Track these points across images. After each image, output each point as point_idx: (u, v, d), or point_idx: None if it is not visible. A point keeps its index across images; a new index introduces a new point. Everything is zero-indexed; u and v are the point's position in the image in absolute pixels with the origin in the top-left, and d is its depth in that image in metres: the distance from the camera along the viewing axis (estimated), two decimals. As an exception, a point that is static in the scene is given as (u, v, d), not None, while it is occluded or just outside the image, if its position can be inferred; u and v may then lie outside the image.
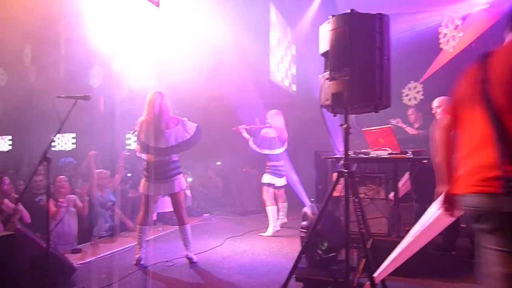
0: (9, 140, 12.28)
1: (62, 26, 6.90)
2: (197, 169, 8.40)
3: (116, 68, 7.41)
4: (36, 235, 3.37)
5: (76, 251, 4.54)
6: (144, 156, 4.17)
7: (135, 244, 4.21)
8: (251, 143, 5.48)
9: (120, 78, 7.49)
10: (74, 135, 11.47)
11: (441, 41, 5.72)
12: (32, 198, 5.21)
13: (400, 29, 6.45)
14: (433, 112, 4.47)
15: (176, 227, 5.80)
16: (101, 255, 4.40)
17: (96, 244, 4.92)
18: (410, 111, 5.83)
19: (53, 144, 3.06)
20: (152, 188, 4.04)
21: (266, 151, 5.40)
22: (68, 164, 9.16)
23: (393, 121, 5.29)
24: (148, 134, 3.97)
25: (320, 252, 3.45)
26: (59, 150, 10.96)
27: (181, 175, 4.19)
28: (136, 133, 4.14)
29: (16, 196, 4.43)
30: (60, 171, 7.67)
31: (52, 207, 4.69)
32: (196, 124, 4.19)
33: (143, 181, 4.13)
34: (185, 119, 4.16)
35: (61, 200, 4.80)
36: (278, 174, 5.50)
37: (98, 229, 5.36)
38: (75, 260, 4.04)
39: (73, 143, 11.45)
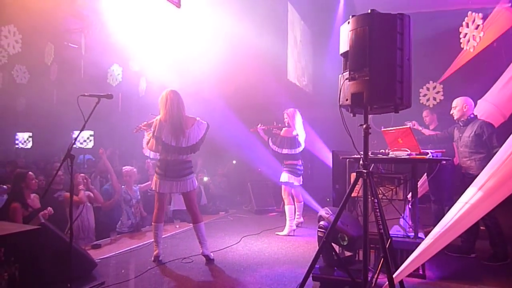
0: (29, 137, 12.59)
1: (84, 26, 7.04)
2: (212, 167, 8.46)
3: (135, 67, 7.52)
4: (59, 230, 3.46)
5: (96, 246, 4.65)
6: (152, 154, 4.22)
7: (153, 240, 4.28)
8: (270, 143, 5.50)
9: (139, 77, 7.60)
10: (92, 132, 11.69)
11: (461, 41, 5.63)
12: (51, 194, 5.35)
13: (420, 28, 6.37)
14: (451, 112, 4.43)
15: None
16: (120, 251, 4.49)
17: (116, 240, 5.01)
18: (424, 113, 5.77)
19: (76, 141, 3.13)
20: (165, 185, 4.08)
21: (286, 151, 5.40)
22: (87, 161, 9.35)
23: (409, 124, 5.23)
24: (168, 133, 4.01)
25: (340, 251, 3.46)
26: (78, 148, 11.20)
27: (193, 175, 4.24)
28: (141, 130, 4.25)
29: (36, 195, 4.58)
30: (79, 168, 7.85)
31: (74, 197, 4.81)
32: (205, 123, 4.22)
33: (155, 178, 4.17)
34: (197, 118, 4.19)
35: (80, 186, 4.93)
36: (296, 173, 5.50)
37: (121, 225, 5.48)
38: (95, 255, 4.13)
39: (91, 141, 11.66)
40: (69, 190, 5.37)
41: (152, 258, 4.10)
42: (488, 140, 4.05)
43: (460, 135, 4.33)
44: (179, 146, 4.03)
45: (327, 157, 5.09)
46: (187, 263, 4.05)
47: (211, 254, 4.18)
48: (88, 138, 11.10)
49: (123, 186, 5.66)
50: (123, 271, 3.80)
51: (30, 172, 4.45)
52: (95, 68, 7.83)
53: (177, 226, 5.84)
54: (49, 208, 4.44)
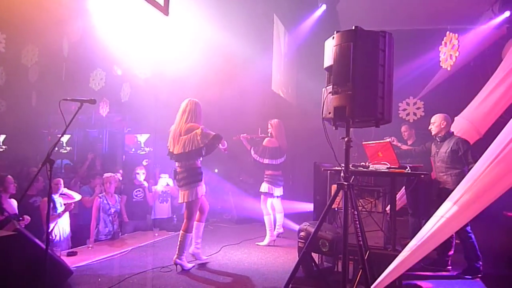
0: (4, 139, 12.23)
1: (67, 28, 6.93)
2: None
3: (119, 71, 7.45)
4: (34, 237, 3.37)
5: (72, 253, 4.54)
6: None
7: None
8: (252, 153, 5.51)
9: (122, 82, 7.52)
10: (70, 136, 11.46)
11: (440, 59, 5.84)
12: (27, 199, 5.22)
13: (401, 45, 6.56)
14: (429, 128, 4.56)
15: (172, 233, 5.87)
16: (97, 259, 4.40)
17: (93, 248, 4.90)
18: (403, 128, 5.87)
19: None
20: (179, 195, 4.20)
21: (267, 161, 5.41)
22: (64, 166, 9.16)
23: (388, 139, 5.30)
24: (170, 139, 4.18)
25: (319, 262, 3.48)
26: (56, 152, 10.95)
27: (196, 184, 4.08)
28: None
29: (14, 200, 4.47)
30: (56, 173, 7.67)
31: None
32: (213, 133, 4.09)
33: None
34: (201, 127, 4.10)
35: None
36: (277, 183, 5.52)
37: (98, 233, 5.38)
38: (71, 263, 4.03)
39: (68, 146, 11.43)
40: (43, 195, 5.32)
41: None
42: (463, 156, 4.18)
43: (437, 150, 4.45)
44: (174, 153, 4.11)
45: (309, 169, 5.12)
46: (166, 272, 4.00)
47: (187, 264, 4.12)
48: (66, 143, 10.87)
49: (103, 194, 5.55)
50: (99, 279, 3.72)
51: (9, 176, 4.34)
52: (78, 72, 7.73)
53: (156, 234, 5.75)
54: (27, 217, 4.34)
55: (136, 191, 6.16)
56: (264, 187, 5.50)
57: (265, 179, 5.54)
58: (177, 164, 4.16)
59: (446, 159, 4.30)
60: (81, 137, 10.75)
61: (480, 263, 4.09)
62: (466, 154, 4.16)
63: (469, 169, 3.96)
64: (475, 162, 3.94)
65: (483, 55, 6.91)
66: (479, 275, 4.05)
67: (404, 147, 5.53)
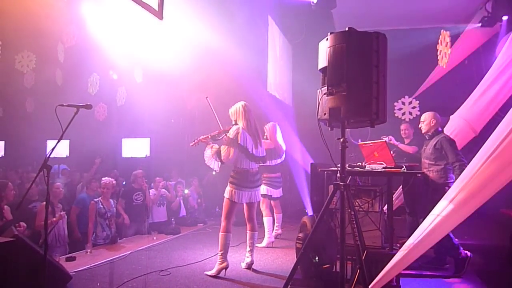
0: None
1: (63, 34, 6.94)
2: (190, 178, 8.39)
3: (114, 76, 7.46)
4: (33, 242, 3.37)
5: (71, 258, 4.53)
6: (216, 166, 4.16)
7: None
8: None
9: (117, 87, 7.54)
10: (67, 141, 11.43)
11: (438, 58, 5.89)
12: (26, 205, 5.22)
13: (396, 44, 6.60)
14: (419, 126, 4.57)
15: (170, 237, 5.87)
16: (96, 263, 4.39)
17: (92, 252, 4.89)
18: (403, 126, 5.88)
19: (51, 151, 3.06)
20: (242, 195, 4.15)
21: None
22: (62, 171, 9.13)
23: (385, 138, 5.30)
24: (251, 142, 4.13)
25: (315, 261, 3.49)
26: (53, 157, 10.91)
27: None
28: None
29: (8, 206, 4.46)
30: (54, 178, 7.65)
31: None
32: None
33: (231, 188, 4.15)
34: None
35: (56, 216, 4.89)
36: (274, 185, 5.54)
37: (96, 237, 5.38)
38: (70, 267, 4.02)
39: (66, 151, 11.40)
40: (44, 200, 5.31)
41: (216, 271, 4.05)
42: (445, 155, 4.17)
43: (425, 147, 4.49)
44: (258, 156, 4.21)
45: (306, 169, 5.15)
46: (164, 276, 4.00)
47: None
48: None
49: (99, 199, 5.55)
50: (98, 284, 3.72)
51: (10, 183, 4.35)
52: (73, 77, 7.73)
53: (155, 238, 5.74)
54: (23, 224, 4.34)
55: (136, 195, 6.17)
56: (263, 189, 5.46)
57: (263, 181, 5.53)
58: (249, 166, 4.15)
59: (429, 156, 4.32)
60: (79, 142, 10.72)
61: (461, 249, 4.11)
62: (448, 153, 4.15)
63: (453, 167, 4.02)
64: (459, 160, 4.00)
65: (477, 53, 6.96)
66: (469, 257, 4.05)
67: (402, 146, 5.55)
